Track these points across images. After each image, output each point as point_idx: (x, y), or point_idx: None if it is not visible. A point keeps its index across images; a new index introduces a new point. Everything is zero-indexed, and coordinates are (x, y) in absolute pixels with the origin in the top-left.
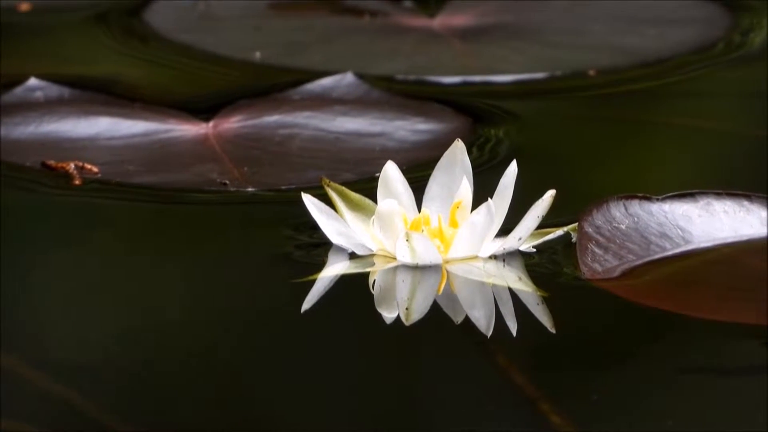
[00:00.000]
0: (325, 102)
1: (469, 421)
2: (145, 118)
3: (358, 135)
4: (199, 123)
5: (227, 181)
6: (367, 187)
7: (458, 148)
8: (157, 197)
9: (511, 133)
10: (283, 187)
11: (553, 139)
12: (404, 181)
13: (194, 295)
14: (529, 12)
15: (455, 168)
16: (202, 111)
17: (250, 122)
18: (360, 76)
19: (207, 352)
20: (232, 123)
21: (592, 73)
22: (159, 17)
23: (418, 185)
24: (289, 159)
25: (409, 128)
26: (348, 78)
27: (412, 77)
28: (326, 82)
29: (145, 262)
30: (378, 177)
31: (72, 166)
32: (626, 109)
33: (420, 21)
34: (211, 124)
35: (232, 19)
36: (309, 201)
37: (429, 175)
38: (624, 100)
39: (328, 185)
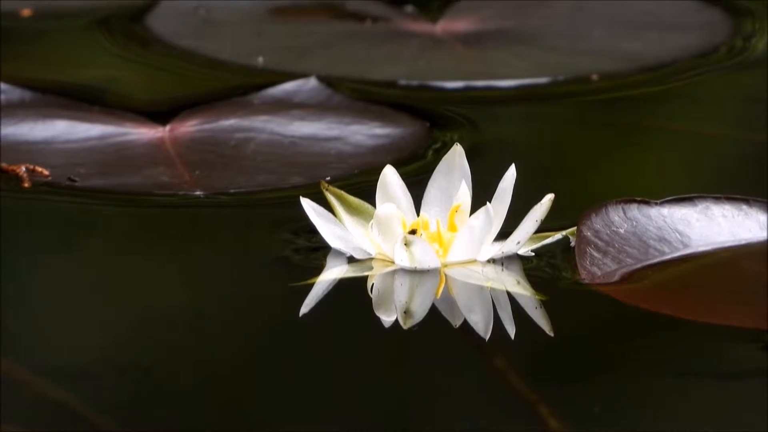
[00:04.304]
0: (283, 106)
1: (467, 425)
2: (103, 122)
3: (314, 139)
4: (155, 126)
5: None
6: (319, 191)
7: (457, 152)
8: (106, 200)
9: (465, 136)
10: (232, 191)
11: (551, 142)
12: (403, 185)
13: (189, 300)
14: (531, 17)
15: (454, 172)
16: (173, 114)
17: (206, 126)
18: (326, 82)
19: (205, 356)
20: (189, 127)
21: (595, 77)
22: (161, 22)
23: (372, 189)
24: (241, 163)
25: (365, 133)
26: (311, 83)
27: (414, 83)
28: (289, 86)
29: (113, 266)
30: (329, 181)
31: (23, 168)
32: (626, 114)
33: (422, 26)
34: (167, 127)
35: (234, 25)
36: (307, 205)
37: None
38: (625, 105)
39: (326, 189)
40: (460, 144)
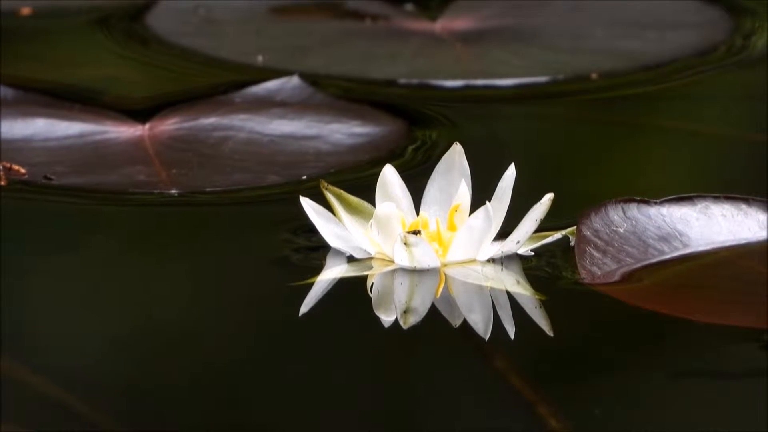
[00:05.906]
0: (263, 105)
1: (467, 425)
2: (82, 120)
3: (293, 138)
4: (135, 125)
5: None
6: (295, 190)
7: (456, 151)
8: (81, 198)
9: (444, 135)
10: (208, 189)
11: (550, 141)
12: (402, 184)
13: (187, 299)
14: (531, 15)
15: (453, 171)
16: (156, 113)
17: (186, 124)
18: (325, 81)
19: (205, 356)
20: (168, 125)
21: (594, 76)
22: (161, 21)
23: (349, 187)
24: (219, 161)
25: (345, 131)
26: (293, 81)
27: (414, 81)
28: (271, 84)
29: (99, 266)
30: (305, 180)
31: None
32: (626, 113)
33: (421, 24)
34: (147, 126)
35: (234, 23)
36: (307, 204)
37: (359, 178)
38: (624, 104)
39: (326, 188)
40: (440, 143)
